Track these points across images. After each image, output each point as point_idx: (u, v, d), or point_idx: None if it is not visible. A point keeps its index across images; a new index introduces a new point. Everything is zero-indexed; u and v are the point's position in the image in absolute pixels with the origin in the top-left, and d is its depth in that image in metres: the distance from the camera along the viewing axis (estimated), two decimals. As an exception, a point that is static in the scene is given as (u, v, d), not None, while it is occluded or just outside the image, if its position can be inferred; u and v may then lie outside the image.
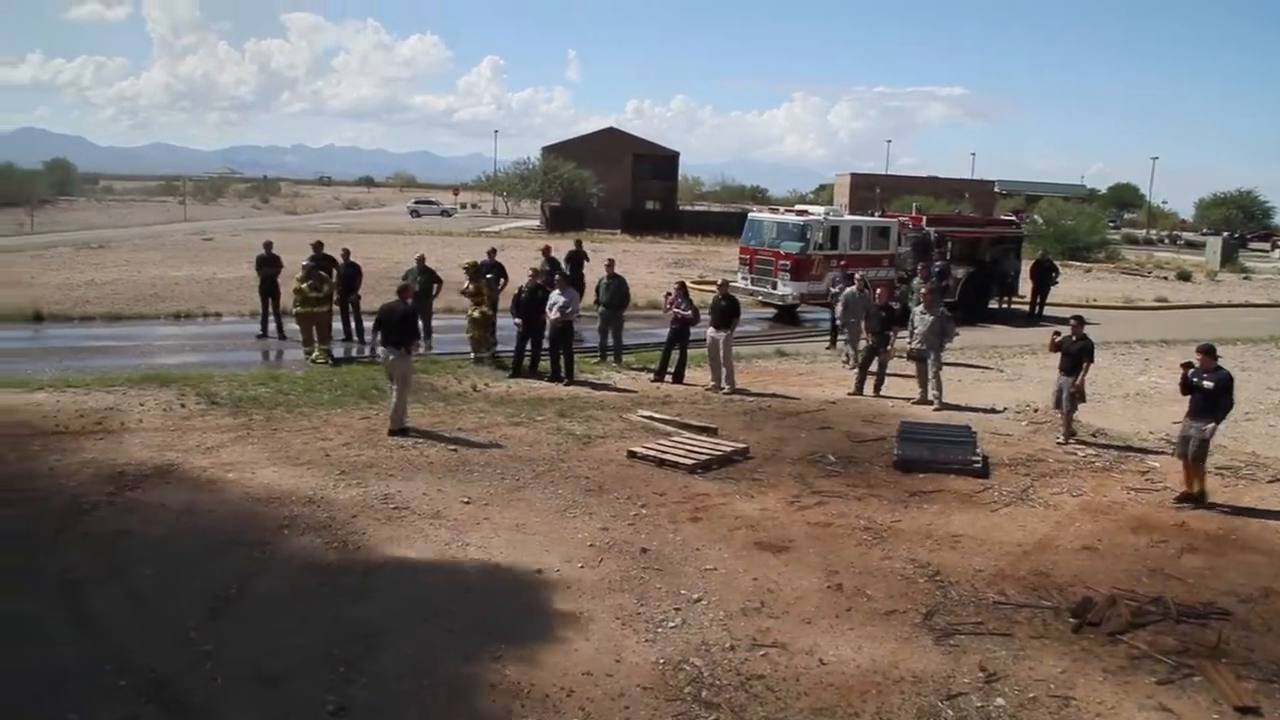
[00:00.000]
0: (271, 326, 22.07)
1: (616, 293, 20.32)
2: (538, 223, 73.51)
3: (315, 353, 19.48)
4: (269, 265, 22.05)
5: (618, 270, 20.93)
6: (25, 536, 10.18)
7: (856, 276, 21.90)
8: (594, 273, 24.23)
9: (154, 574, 9.35)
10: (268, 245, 22.54)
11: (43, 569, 9.42)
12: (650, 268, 41.88)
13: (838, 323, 21.42)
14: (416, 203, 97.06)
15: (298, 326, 20.25)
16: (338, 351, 19.97)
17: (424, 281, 20.85)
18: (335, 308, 20.72)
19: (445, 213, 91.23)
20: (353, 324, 21.65)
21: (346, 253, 21.53)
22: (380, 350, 14.90)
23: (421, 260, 21.53)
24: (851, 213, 33.57)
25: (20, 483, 11.79)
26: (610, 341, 20.40)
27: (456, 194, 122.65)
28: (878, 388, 18.20)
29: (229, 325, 24.43)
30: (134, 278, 32.73)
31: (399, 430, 14.28)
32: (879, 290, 19.46)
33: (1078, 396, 15.32)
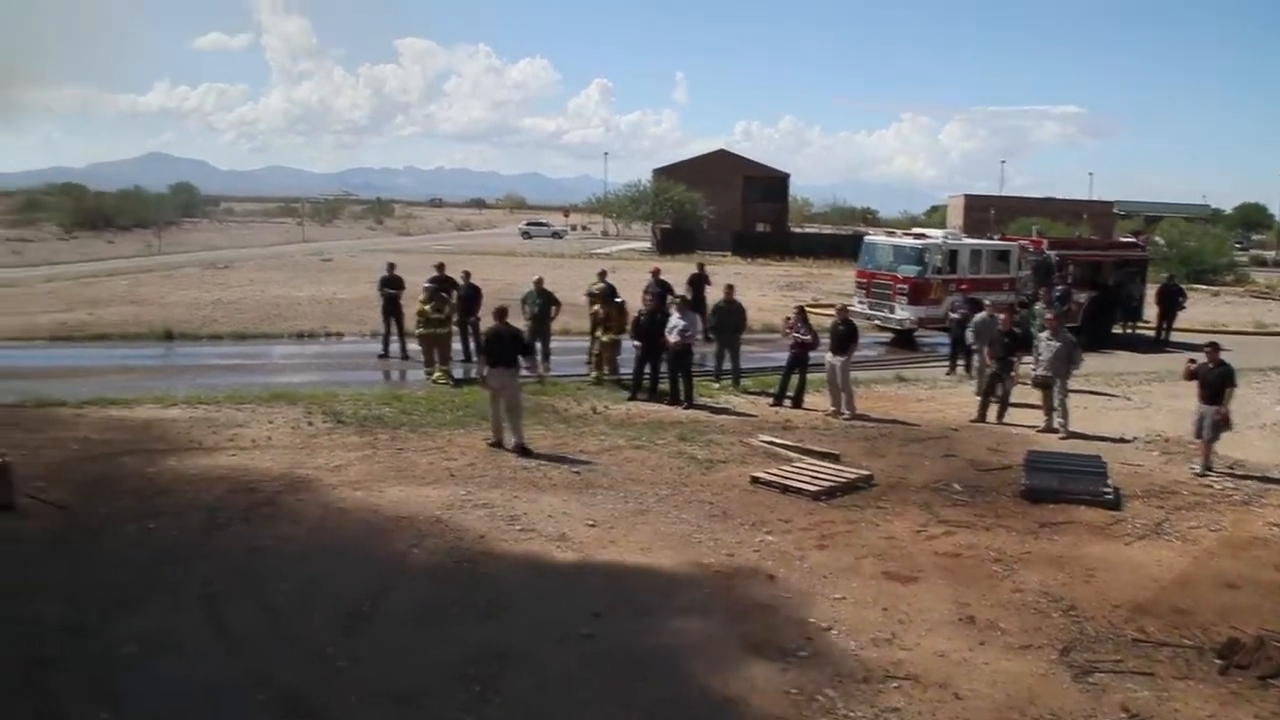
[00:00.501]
0: (394, 347, 22.42)
1: (733, 317, 20.27)
2: (648, 245, 73.65)
3: (436, 373, 19.77)
4: (392, 286, 22.43)
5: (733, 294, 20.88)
6: (167, 549, 10.46)
7: (987, 302, 21.55)
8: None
9: (289, 589, 9.53)
10: (391, 266, 22.94)
11: (184, 582, 9.66)
12: (762, 290, 41.71)
13: (971, 348, 21.03)
14: (528, 224, 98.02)
15: (419, 347, 20.58)
16: (457, 372, 20.20)
17: (542, 304, 21.04)
18: (455, 329, 20.99)
19: (556, 234, 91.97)
20: (472, 345, 21.90)
21: (467, 274, 21.81)
22: (486, 372, 14.99)
23: (539, 283, 21.72)
24: (967, 235, 32.97)
25: (159, 497, 12.14)
26: (728, 365, 20.32)
27: (567, 216, 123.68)
28: (1001, 415, 17.84)
29: (350, 345, 24.95)
30: (258, 297, 33.65)
31: (520, 450, 14.46)
32: (1002, 315, 19.09)
33: (1223, 425, 14.81)
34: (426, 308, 19.90)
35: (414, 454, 14.23)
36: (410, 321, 21.48)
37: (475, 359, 21.57)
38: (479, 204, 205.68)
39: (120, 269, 44.58)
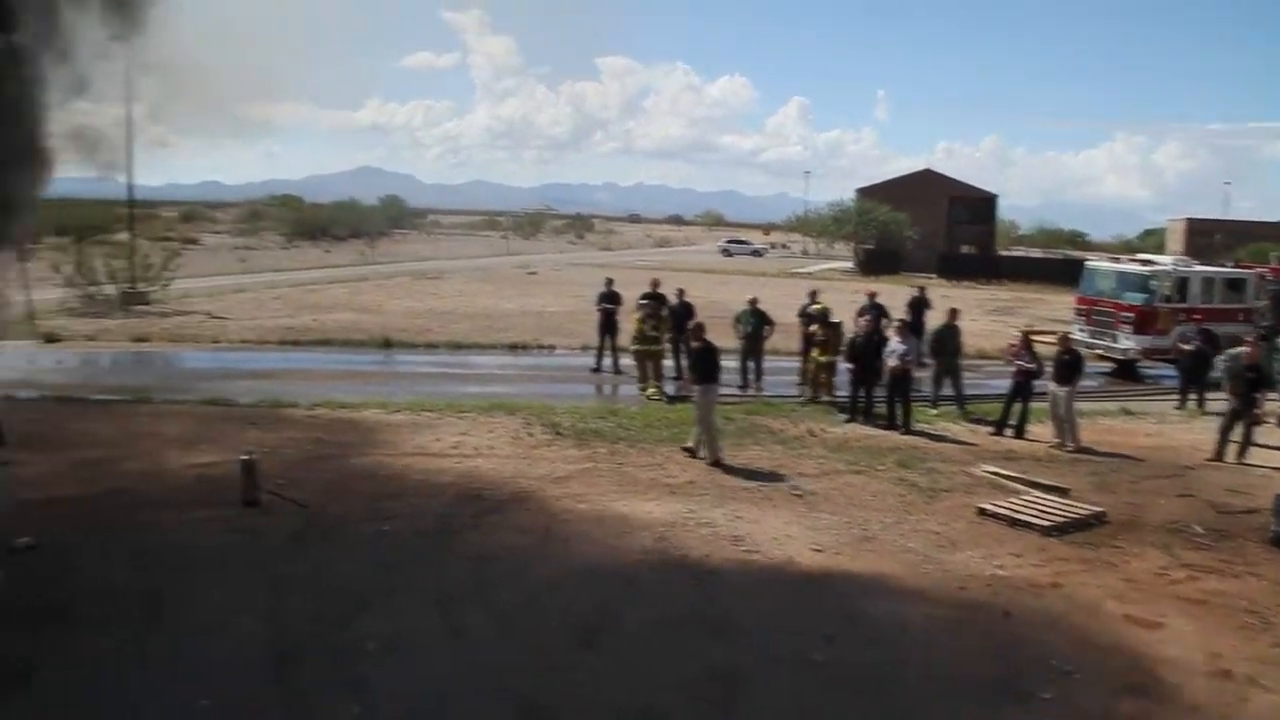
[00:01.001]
0: (607, 361, 22.62)
1: (954, 341, 19.82)
2: (850, 265, 72.80)
3: (650, 389, 19.88)
4: (610, 301, 22.64)
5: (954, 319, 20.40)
6: (402, 552, 10.77)
7: (1223, 333, 20.50)
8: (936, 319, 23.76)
9: (520, 598, 9.68)
10: (609, 282, 23.17)
11: (419, 584, 9.93)
12: (971, 314, 40.60)
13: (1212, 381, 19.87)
14: (728, 242, 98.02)
15: (634, 362, 20.76)
16: (670, 389, 20.27)
17: (755, 323, 20.95)
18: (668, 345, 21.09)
19: (756, 252, 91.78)
20: (684, 362, 21.94)
21: (681, 291, 21.87)
22: (694, 389, 15.41)
23: (754, 302, 21.62)
24: (1198, 262, 31.41)
25: (390, 500, 12.52)
26: (946, 390, 19.83)
27: (767, 234, 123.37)
28: (1241, 454, 16.88)
29: (561, 358, 25.35)
30: (469, 308, 34.57)
31: (714, 462, 14.70)
32: (1248, 349, 18.04)
33: None
34: (644, 325, 20.06)
35: (633, 469, 14.32)
36: (625, 337, 21.69)
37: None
38: (677, 220, 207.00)
39: (338, 277, 46.52)
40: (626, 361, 22.03)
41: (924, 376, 20.64)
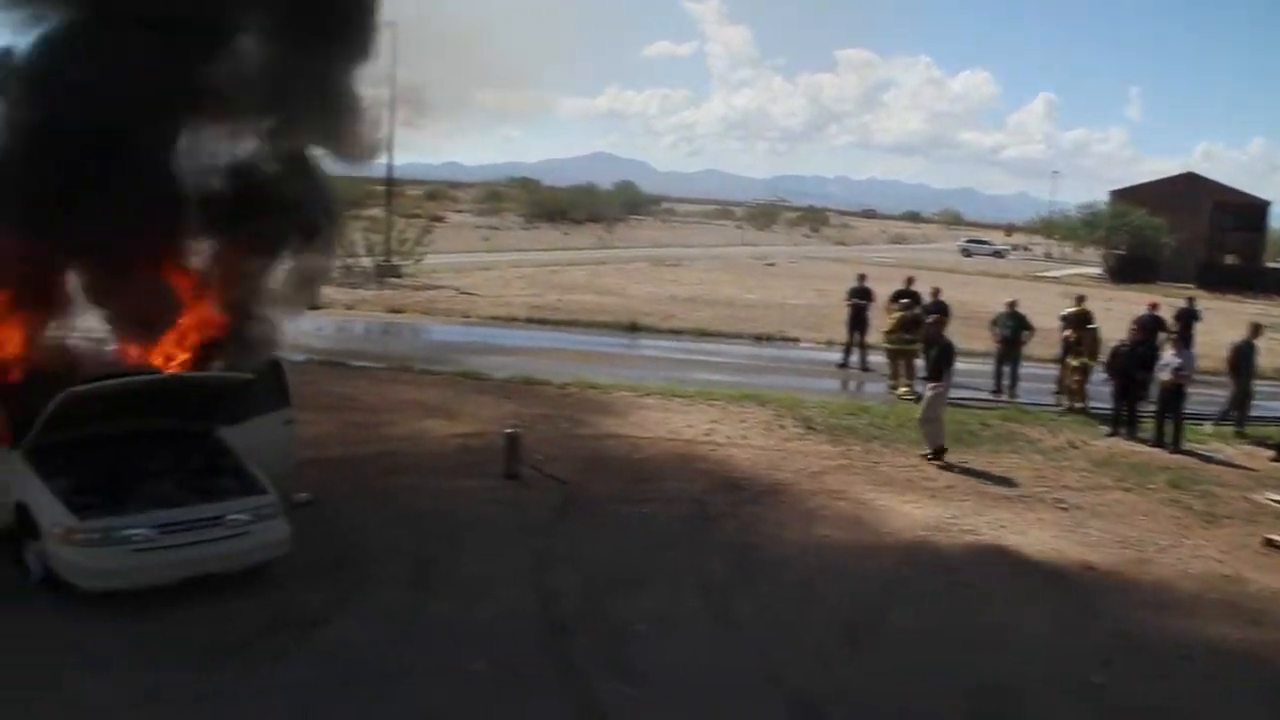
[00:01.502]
0: (854, 358, 22.20)
1: (1249, 358, 18.67)
2: (1098, 271, 69.59)
3: (901, 388, 19.44)
4: (861, 297, 22.22)
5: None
6: (662, 535, 10.81)
7: None
8: (1210, 335, 22.56)
9: (785, 591, 9.60)
10: (861, 278, 22.74)
11: (682, 569, 9.94)
12: (1238, 331, 38.28)
13: None
14: (968, 241, 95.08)
15: (886, 360, 20.36)
16: (920, 389, 19.74)
17: (1014, 327, 20.18)
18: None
19: (998, 253, 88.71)
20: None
21: (936, 290, 21.25)
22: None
23: (1012, 305, 20.84)
24: None
25: (646, 482, 12.61)
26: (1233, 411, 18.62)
27: (1009, 234, 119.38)
28: None
29: (806, 351, 25.01)
30: (710, 296, 34.61)
31: (935, 453, 14.57)
32: None
33: None
34: (897, 322, 19.67)
35: (889, 469, 14.03)
36: (876, 335, 21.28)
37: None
38: (913, 217, 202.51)
39: (577, 260, 47.39)
40: (874, 359, 21.60)
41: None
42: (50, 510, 8.56)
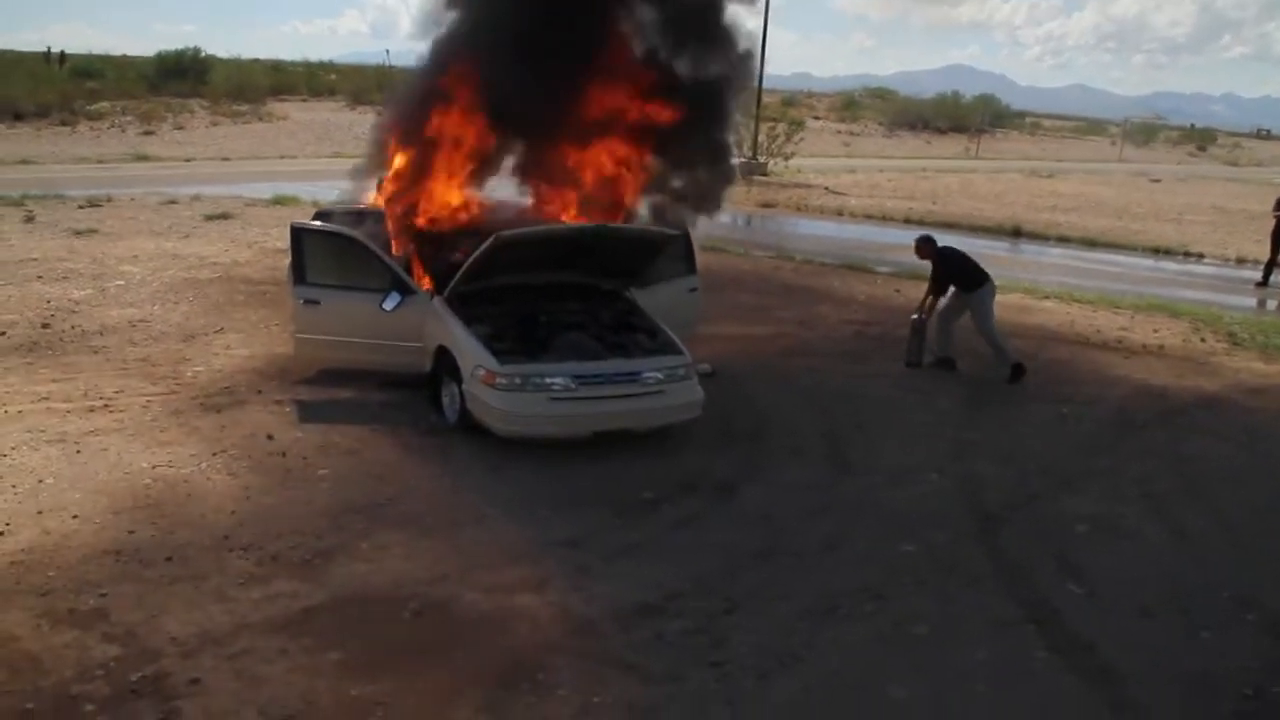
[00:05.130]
0: (1276, 276, 19.98)
1: None
2: None
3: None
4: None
5: None
6: (1088, 437, 10.03)
7: None
8: None
9: (1239, 506, 8.58)
10: (1289, 188, 20.50)
11: (1117, 473, 9.16)
12: None
13: None
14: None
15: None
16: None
17: None
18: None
19: None
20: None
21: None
22: None
23: None
24: None
25: (1061, 384, 11.77)
26: None
27: None
28: None
29: (1213, 267, 22.87)
30: (1094, 207, 32.40)
31: None
32: None
33: None
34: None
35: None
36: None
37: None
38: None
39: (945, 168, 45.55)
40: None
41: None
42: (473, 354, 8.72)
